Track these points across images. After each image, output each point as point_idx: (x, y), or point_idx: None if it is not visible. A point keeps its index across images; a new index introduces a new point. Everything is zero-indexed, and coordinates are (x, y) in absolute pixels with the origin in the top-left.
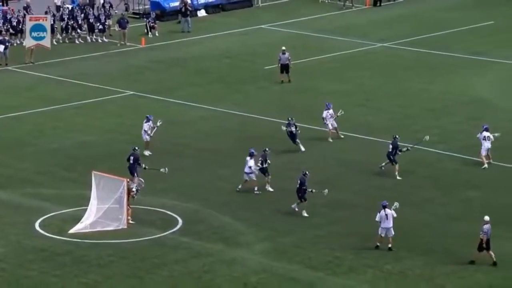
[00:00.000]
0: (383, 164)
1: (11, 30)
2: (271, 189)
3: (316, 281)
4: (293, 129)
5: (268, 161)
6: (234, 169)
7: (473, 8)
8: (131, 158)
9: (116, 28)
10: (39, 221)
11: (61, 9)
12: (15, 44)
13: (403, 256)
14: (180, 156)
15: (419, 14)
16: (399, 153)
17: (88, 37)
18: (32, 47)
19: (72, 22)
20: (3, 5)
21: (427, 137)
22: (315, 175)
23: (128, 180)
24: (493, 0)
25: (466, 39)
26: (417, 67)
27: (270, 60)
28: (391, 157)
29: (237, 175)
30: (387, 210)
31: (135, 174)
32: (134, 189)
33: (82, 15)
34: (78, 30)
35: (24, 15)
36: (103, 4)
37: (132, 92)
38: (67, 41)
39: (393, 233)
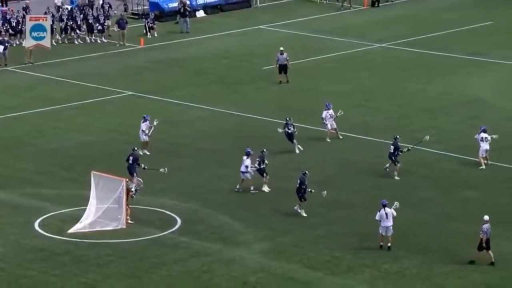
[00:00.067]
0: (387, 165)
1: (10, 31)
2: (266, 190)
3: (314, 280)
4: (291, 129)
5: (266, 161)
6: (233, 169)
7: (471, 8)
8: (130, 158)
9: (115, 28)
10: (38, 221)
11: (60, 9)
12: (14, 45)
13: (401, 255)
14: (179, 156)
15: (417, 15)
16: (400, 153)
17: (87, 38)
18: (31, 48)
19: (71, 22)
20: (2, 5)
21: (427, 137)
22: (313, 175)
23: (127, 180)
24: (491, 0)
25: (464, 40)
26: (415, 68)
27: (269, 60)
28: (393, 157)
29: (236, 175)
30: (387, 209)
31: (134, 174)
32: (133, 189)
33: (81, 15)
34: (77, 31)
35: (24, 15)
36: (102, 4)
37: (131, 92)
38: (66, 42)
39: (392, 231)
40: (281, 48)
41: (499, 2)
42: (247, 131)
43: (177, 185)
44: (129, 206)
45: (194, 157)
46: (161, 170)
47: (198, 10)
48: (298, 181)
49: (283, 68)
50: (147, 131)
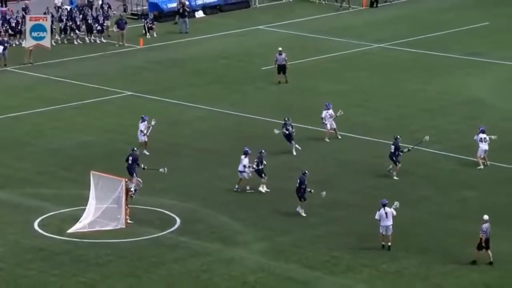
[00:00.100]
0: (390, 167)
1: (10, 31)
2: (263, 190)
3: (313, 280)
4: (289, 129)
5: (264, 162)
6: (232, 169)
7: (470, 9)
8: (130, 158)
9: (115, 29)
10: (38, 220)
11: (59, 10)
12: (14, 45)
13: (400, 255)
14: (178, 156)
15: (415, 15)
16: (401, 153)
17: (86, 38)
18: (31, 48)
19: (70, 23)
20: (2, 6)
21: (427, 137)
22: (312, 175)
23: (126, 180)
24: (489, 1)
25: (463, 40)
26: (414, 68)
27: (267, 60)
28: (394, 157)
29: (235, 175)
30: (387, 209)
31: (134, 174)
32: (132, 189)
33: (81, 16)
34: (77, 31)
35: (23, 16)
36: (101, 5)
37: (130, 93)
38: (65, 42)
39: (392, 231)
40: (280, 49)
41: (497, 3)
42: (246, 131)
43: (176, 185)
44: (129, 206)
45: (193, 157)
46: (160, 170)
47: (197, 11)
48: (298, 181)
49: (281, 68)
50: (145, 131)
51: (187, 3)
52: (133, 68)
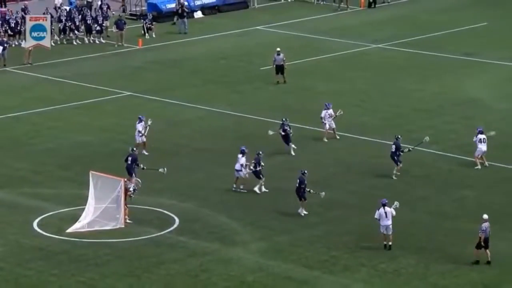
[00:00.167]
0: (395, 171)
1: (9, 32)
2: (258, 191)
3: (311, 279)
4: (287, 129)
5: (262, 163)
6: (231, 169)
7: (466, 9)
8: (129, 158)
9: (114, 29)
10: (37, 220)
11: (58, 10)
12: (13, 45)
13: (398, 254)
14: (177, 156)
15: (413, 16)
16: (401, 153)
17: (85, 38)
18: (30, 48)
19: (69, 23)
20: (1, 6)
21: (427, 138)
22: (310, 175)
23: (125, 179)
24: (486, 1)
25: (460, 40)
26: (411, 68)
27: (266, 61)
28: (395, 157)
29: (233, 174)
30: (387, 208)
31: (133, 175)
32: (131, 189)
33: (80, 16)
34: (76, 32)
35: (22, 16)
36: (100, 5)
37: (129, 93)
38: (65, 42)
39: (392, 230)
40: (278, 49)
41: (494, 3)
42: (245, 131)
43: (175, 184)
44: (127, 205)
45: (192, 157)
46: (160, 170)
47: (196, 11)
48: (298, 181)
49: (280, 69)
50: (143, 132)
51: (186, 3)
52: (132, 68)
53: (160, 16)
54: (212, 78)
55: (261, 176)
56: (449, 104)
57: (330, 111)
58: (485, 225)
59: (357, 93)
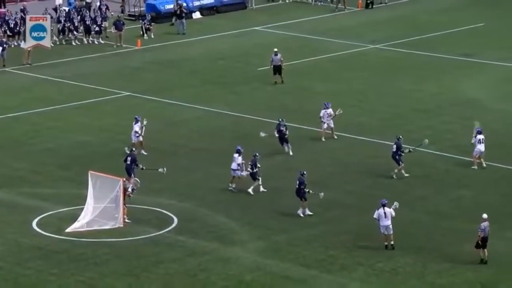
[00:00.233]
0: (403, 173)
1: (8, 32)
2: (252, 192)
3: (309, 278)
4: (283, 129)
5: (258, 165)
6: (228, 169)
7: (463, 10)
8: (128, 159)
9: (112, 30)
10: (36, 220)
11: (57, 11)
12: (12, 46)
13: (395, 253)
14: (175, 156)
15: (411, 16)
16: (402, 154)
17: (84, 39)
18: (30, 48)
19: (68, 24)
20: (0, 7)
21: (427, 141)
22: (308, 175)
23: (124, 179)
24: (484, 2)
25: (458, 41)
26: (408, 68)
27: (264, 61)
28: (397, 157)
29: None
30: (386, 209)
31: (132, 175)
32: (130, 189)
33: (79, 17)
34: (75, 32)
35: (21, 17)
36: (99, 6)
37: (128, 93)
38: (64, 43)
39: (392, 230)
40: (275, 49)
41: (491, 3)
42: (243, 131)
43: (173, 184)
44: (126, 205)
45: (191, 157)
46: (160, 170)
47: (195, 12)
48: (297, 182)
49: (277, 69)
50: (140, 132)
51: (184, 4)
52: (131, 68)
53: (159, 16)
54: (210, 79)
55: (257, 177)
56: (447, 105)
57: (329, 110)
58: (484, 224)
59: (354, 94)
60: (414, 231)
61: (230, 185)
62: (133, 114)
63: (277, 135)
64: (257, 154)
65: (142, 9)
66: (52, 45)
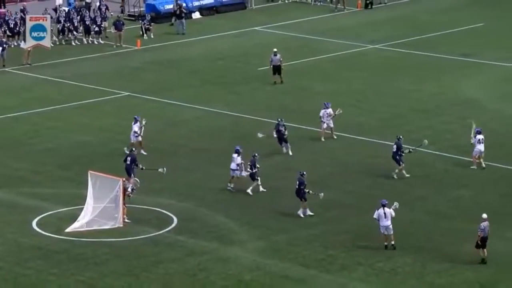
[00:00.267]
0: (404, 173)
1: (8, 32)
2: (251, 193)
3: (309, 278)
4: (282, 130)
5: (257, 166)
6: (228, 169)
7: (463, 10)
8: (128, 159)
9: (112, 30)
10: (36, 220)
11: (57, 11)
12: (12, 46)
13: (394, 253)
14: (175, 156)
15: (410, 16)
16: (402, 154)
17: (84, 39)
18: (30, 48)
19: (68, 24)
20: (0, 7)
21: (426, 141)
22: (307, 175)
23: (124, 179)
24: (483, 2)
25: (457, 41)
26: (408, 68)
27: (264, 61)
28: (397, 157)
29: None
30: (386, 209)
31: (132, 175)
32: (129, 189)
33: (78, 17)
34: (74, 32)
35: (21, 17)
36: (99, 6)
37: (128, 93)
38: (63, 43)
39: (392, 230)
40: (275, 50)
41: (491, 3)
42: (242, 131)
43: (173, 184)
44: (126, 205)
45: (190, 157)
46: (159, 170)
47: (194, 12)
48: (297, 182)
49: (277, 69)
50: (139, 132)
51: (184, 4)
52: (131, 68)
53: (158, 17)
54: (210, 79)
55: (256, 178)
56: (447, 105)
57: (329, 110)
58: (484, 224)
59: (354, 94)
60: (413, 231)
61: (229, 185)
62: (133, 114)
63: (275, 135)
64: (256, 154)
65: (141, 9)
66: (52, 45)
